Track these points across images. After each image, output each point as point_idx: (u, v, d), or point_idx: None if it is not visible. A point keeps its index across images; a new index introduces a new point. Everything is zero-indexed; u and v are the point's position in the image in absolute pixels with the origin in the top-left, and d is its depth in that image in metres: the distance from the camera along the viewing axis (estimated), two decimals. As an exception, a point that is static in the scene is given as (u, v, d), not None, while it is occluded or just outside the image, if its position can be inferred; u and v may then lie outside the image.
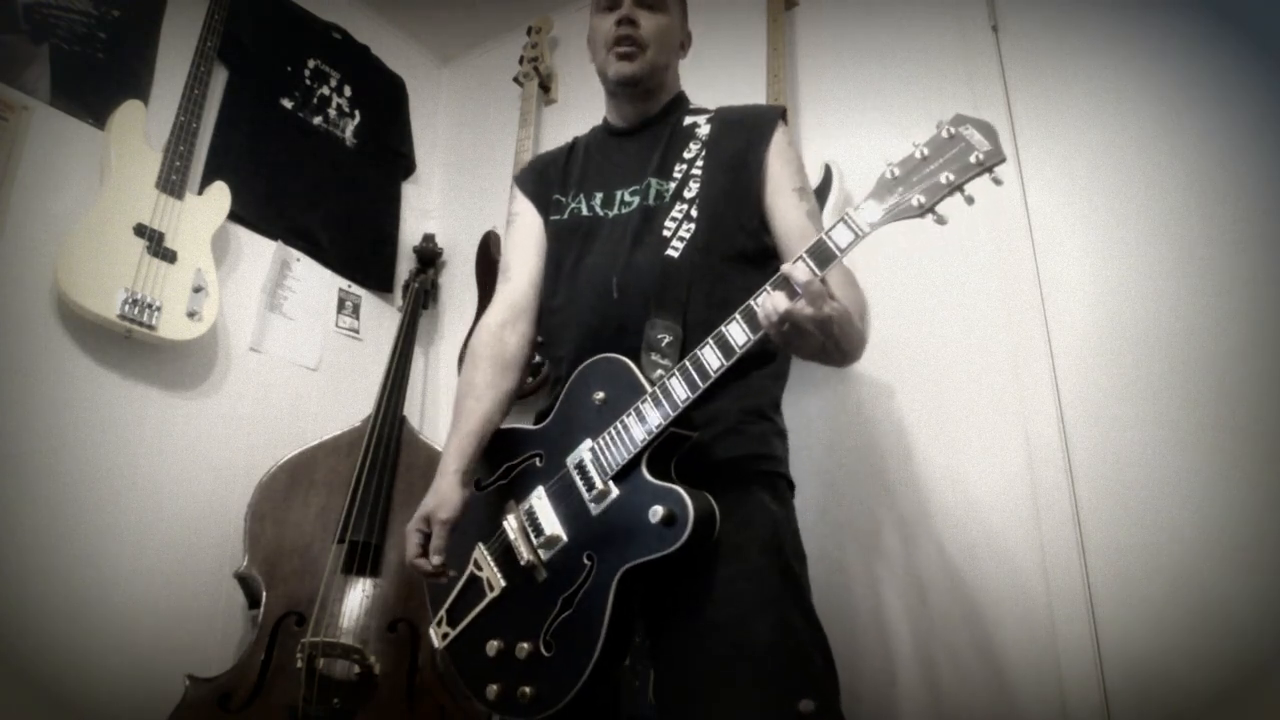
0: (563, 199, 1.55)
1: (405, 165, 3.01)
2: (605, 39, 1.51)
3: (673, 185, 1.43)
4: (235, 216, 2.34)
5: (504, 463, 1.41)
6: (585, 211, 1.50)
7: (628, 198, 1.47)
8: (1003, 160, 1.03)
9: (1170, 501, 1.63)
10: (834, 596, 1.91)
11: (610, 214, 1.47)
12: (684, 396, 1.19)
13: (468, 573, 1.36)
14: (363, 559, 2.05)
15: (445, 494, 1.38)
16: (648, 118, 1.56)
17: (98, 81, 2.18)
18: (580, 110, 2.72)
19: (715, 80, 2.49)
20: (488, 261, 2.60)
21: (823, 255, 1.09)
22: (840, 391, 2.06)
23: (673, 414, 1.19)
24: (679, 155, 1.46)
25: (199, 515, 2.15)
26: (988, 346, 1.91)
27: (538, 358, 2.42)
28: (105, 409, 2.03)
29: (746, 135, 1.46)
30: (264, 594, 1.98)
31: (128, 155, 2.11)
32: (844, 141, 2.22)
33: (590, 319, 1.42)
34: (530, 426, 1.43)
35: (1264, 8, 1.77)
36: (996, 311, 1.92)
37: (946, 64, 2.15)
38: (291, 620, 1.96)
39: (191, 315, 2.10)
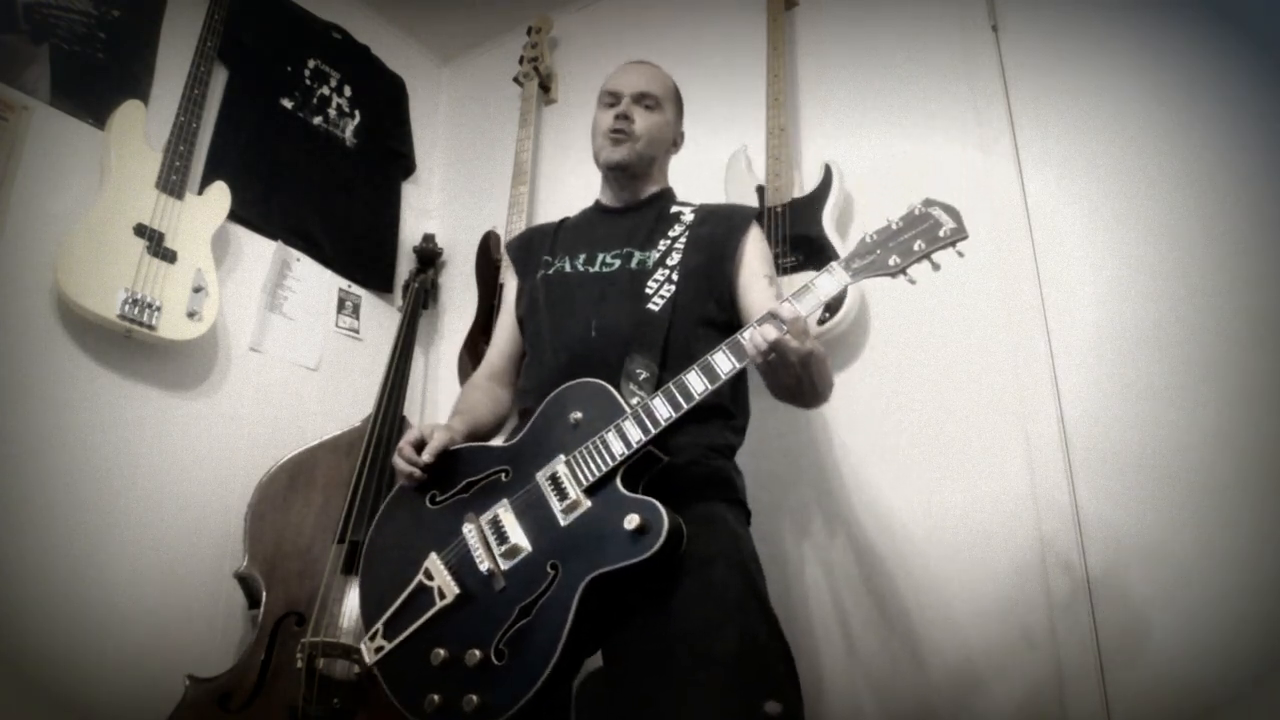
0: (550, 258, 1.68)
1: (405, 165, 3.01)
2: (603, 129, 1.67)
3: (655, 254, 1.57)
4: (235, 216, 2.34)
5: (464, 478, 1.42)
6: (568, 269, 1.62)
7: (609, 259, 1.59)
8: (965, 237, 1.22)
9: (1170, 502, 1.63)
10: (827, 597, 1.91)
11: (591, 270, 1.60)
12: (666, 415, 1.27)
13: (414, 582, 1.35)
14: (363, 559, 2.05)
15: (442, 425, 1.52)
16: (636, 201, 1.69)
17: (98, 81, 2.18)
18: (580, 110, 2.73)
19: (716, 79, 2.50)
20: (488, 261, 2.60)
21: (808, 300, 1.25)
22: (840, 391, 2.05)
23: (654, 430, 1.27)
24: (663, 233, 1.60)
25: (199, 515, 2.15)
26: (988, 346, 1.91)
27: None
28: (105, 409, 2.03)
29: (726, 224, 1.61)
30: (264, 594, 1.98)
31: (128, 155, 2.11)
32: (844, 141, 2.22)
33: (565, 356, 1.50)
34: (495, 444, 1.47)
35: (1264, 7, 1.77)
36: (996, 311, 1.92)
37: (946, 64, 2.15)
38: (291, 620, 1.96)
39: (191, 315, 2.10)
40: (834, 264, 1.27)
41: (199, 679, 1.87)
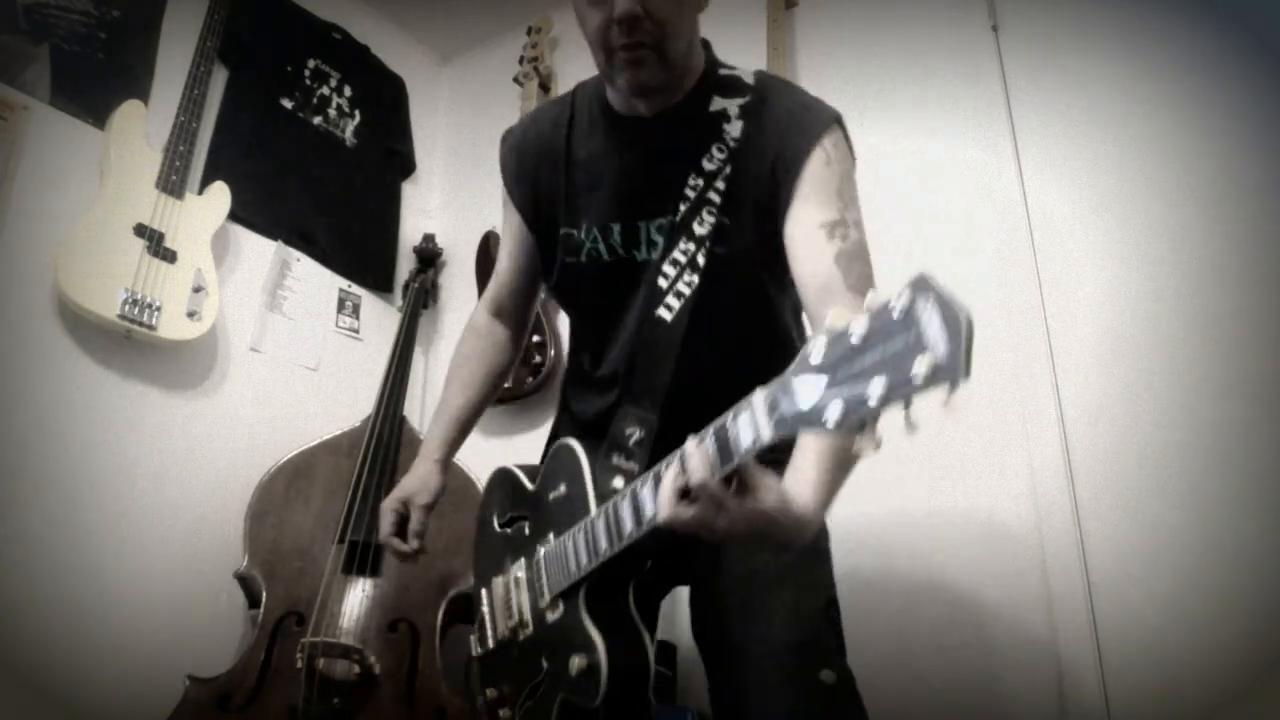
0: (574, 232, 1.25)
1: (405, 165, 3.01)
2: (600, 40, 1.12)
3: (674, 220, 1.17)
4: (235, 216, 2.34)
5: (507, 511, 1.35)
6: (607, 255, 1.23)
7: (654, 235, 1.19)
8: (963, 378, 0.63)
9: (1170, 501, 1.63)
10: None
11: (640, 257, 1.21)
12: (604, 548, 1.02)
13: (485, 606, 1.33)
14: (363, 559, 2.04)
15: (425, 478, 1.38)
16: (666, 108, 1.20)
17: (98, 81, 2.18)
18: (580, 110, 2.72)
19: (715, 80, 2.49)
20: (488, 261, 2.61)
21: (724, 449, 0.81)
22: (840, 391, 2.05)
23: (598, 559, 1.03)
24: (694, 164, 1.16)
25: (199, 515, 2.15)
26: (988, 347, 1.91)
27: (538, 358, 2.43)
28: (105, 409, 2.03)
29: (788, 141, 1.13)
30: (264, 594, 1.98)
31: (128, 155, 2.11)
32: (844, 141, 2.22)
33: (593, 389, 1.33)
34: (527, 483, 1.31)
35: (1264, 8, 1.77)
36: (996, 312, 1.91)
37: (946, 64, 2.15)
38: (291, 620, 1.96)
39: (191, 315, 2.10)
40: (756, 395, 0.78)
41: (199, 679, 1.87)
